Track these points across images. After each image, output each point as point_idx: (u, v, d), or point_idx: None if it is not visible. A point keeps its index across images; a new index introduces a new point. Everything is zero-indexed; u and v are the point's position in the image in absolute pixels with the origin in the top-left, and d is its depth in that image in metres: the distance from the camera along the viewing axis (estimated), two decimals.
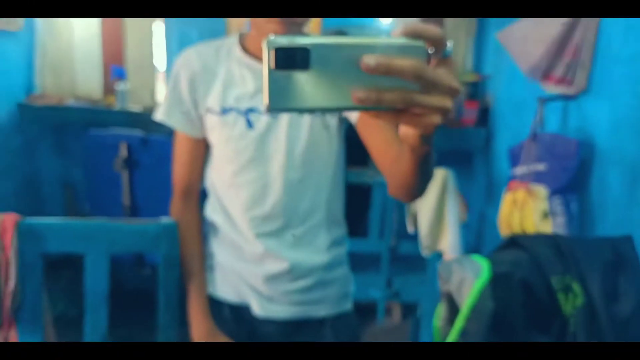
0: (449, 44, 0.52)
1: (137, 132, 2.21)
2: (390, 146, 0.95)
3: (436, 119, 0.52)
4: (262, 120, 1.09)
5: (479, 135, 3.11)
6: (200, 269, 1.21)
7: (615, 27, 1.80)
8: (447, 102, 0.51)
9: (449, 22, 3.26)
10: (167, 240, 1.15)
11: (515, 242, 0.95)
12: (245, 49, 1.12)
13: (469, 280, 0.86)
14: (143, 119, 3.07)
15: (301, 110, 0.51)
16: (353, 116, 1.07)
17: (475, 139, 3.12)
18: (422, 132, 0.56)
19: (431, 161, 0.73)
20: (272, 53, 0.48)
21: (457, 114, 3.10)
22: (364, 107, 0.50)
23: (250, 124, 1.09)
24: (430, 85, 0.50)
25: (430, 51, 0.50)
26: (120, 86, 3.13)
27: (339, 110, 0.53)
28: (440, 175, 2.24)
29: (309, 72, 0.48)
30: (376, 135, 1.00)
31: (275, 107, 0.49)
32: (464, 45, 3.29)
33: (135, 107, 3.22)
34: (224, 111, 1.10)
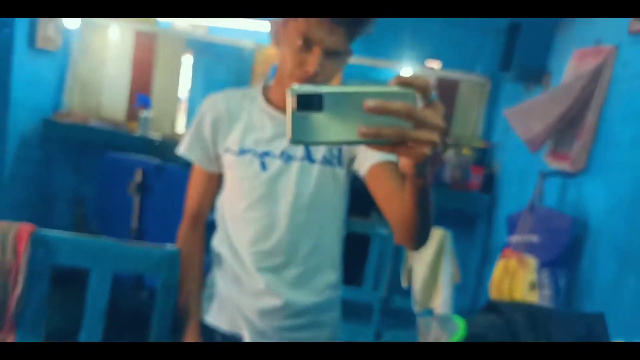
0: (434, 92, 0.64)
1: (154, 160, 2.29)
2: (395, 195, 1.04)
3: (426, 150, 0.63)
4: (275, 164, 1.17)
5: (483, 200, 3.17)
6: (197, 292, 1.27)
7: (618, 111, 1.89)
8: (434, 137, 0.63)
9: (463, 89, 3.38)
10: (169, 266, 1.21)
11: (494, 307, 1.01)
12: (267, 99, 1.22)
13: (444, 337, 0.91)
14: (161, 147, 3.18)
15: (316, 143, 0.64)
16: (362, 169, 1.15)
17: (478, 204, 3.19)
18: (415, 162, 0.67)
19: (429, 199, 0.84)
20: (295, 98, 0.61)
21: (464, 177, 3.18)
22: (367, 140, 0.62)
23: (264, 166, 1.17)
24: (419, 123, 0.62)
25: (418, 97, 0.62)
26: (144, 113, 3.25)
27: (347, 143, 0.65)
28: (438, 235, 2.30)
29: (323, 113, 0.61)
30: (383, 186, 1.09)
31: (296, 140, 0.63)
32: (476, 112, 3.40)
33: (155, 134, 3.33)
34: (242, 152, 1.19)
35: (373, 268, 2.42)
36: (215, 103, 1.23)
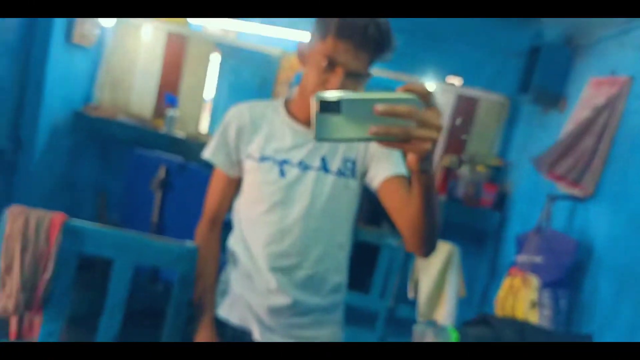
0: (435, 97, 0.75)
1: (178, 158, 2.38)
2: (404, 204, 1.12)
3: (428, 146, 0.76)
4: (293, 172, 1.25)
5: (494, 217, 3.21)
6: (212, 288, 1.34)
7: (628, 141, 1.93)
8: (434, 134, 0.75)
9: (482, 106, 3.42)
10: (187, 262, 1.29)
11: (486, 320, 1.07)
12: (288, 111, 1.30)
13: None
14: (185, 145, 3.28)
15: (336, 140, 0.76)
16: (374, 182, 1.23)
17: (489, 221, 3.22)
18: (419, 156, 0.79)
19: (435, 199, 0.95)
20: (318, 103, 0.74)
21: (477, 194, 3.22)
22: (378, 138, 0.74)
23: (282, 173, 1.25)
24: (421, 123, 0.74)
25: (420, 101, 0.74)
26: (170, 112, 3.35)
27: (361, 140, 0.77)
28: (446, 249, 2.35)
29: (341, 115, 0.74)
30: (394, 197, 1.17)
31: (320, 137, 0.75)
32: (493, 130, 3.43)
33: (179, 133, 3.43)
34: (262, 159, 1.26)
35: (381, 277, 2.48)
36: (241, 112, 1.31)
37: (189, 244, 1.31)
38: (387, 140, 0.75)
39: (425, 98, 0.74)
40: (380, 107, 0.72)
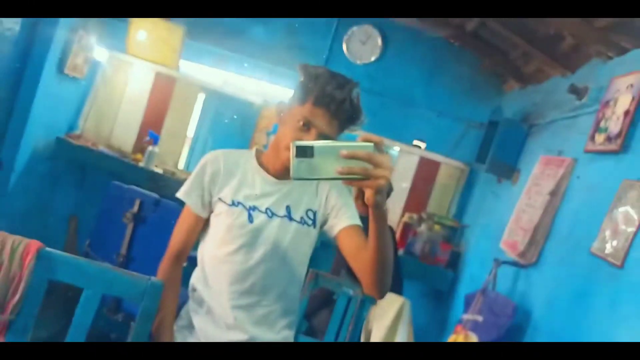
0: (385, 147, 0.92)
1: (153, 194, 2.41)
2: (360, 249, 1.21)
3: (382, 182, 0.90)
4: (260, 218, 1.31)
5: (447, 276, 3.30)
6: (171, 321, 1.37)
7: (569, 217, 2.06)
8: (386, 173, 0.90)
9: (443, 170, 3.56)
10: (151, 296, 1.32)
11: None
12: (259, 162, 1.37)
13: None
14: (161, 180, 3.31)
15: (310, 179, 0.90)
16: (333, 231, 1.31)
17: (442, 279, 3.31)
18: (374, 191, 0.92)
19: (388, 238, 1.08)
20: (295, 148, 0.88)
21: (432, 252, 3.32)
22: (342, 177, 0.89)
23: (251, 219, 1.31)
24: (376, 164, 0.89)
25: (375, 148, 0.90)
26: (150, 148, 3.40)
27: (330, 179, 0.90)
28: (398, 302, 2.41)
29: (314, 158, 0.88)
30: (351, 242, 1.26)
31: (296, 177, 0.89)
32: (452, 193, 3.57)
33: (157, 168, 3.47)
34: (233, 204, 1.32)
35: (336, 325, 2.51)
36: (216, 158, 1.38)
37: (154, 279, 1.35)
38: (350, 179, 0.90)
39: (378, 145, 0.90)
40: (344, 152, 0.88)
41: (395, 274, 2.83)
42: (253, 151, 1.40)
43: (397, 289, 2.68)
